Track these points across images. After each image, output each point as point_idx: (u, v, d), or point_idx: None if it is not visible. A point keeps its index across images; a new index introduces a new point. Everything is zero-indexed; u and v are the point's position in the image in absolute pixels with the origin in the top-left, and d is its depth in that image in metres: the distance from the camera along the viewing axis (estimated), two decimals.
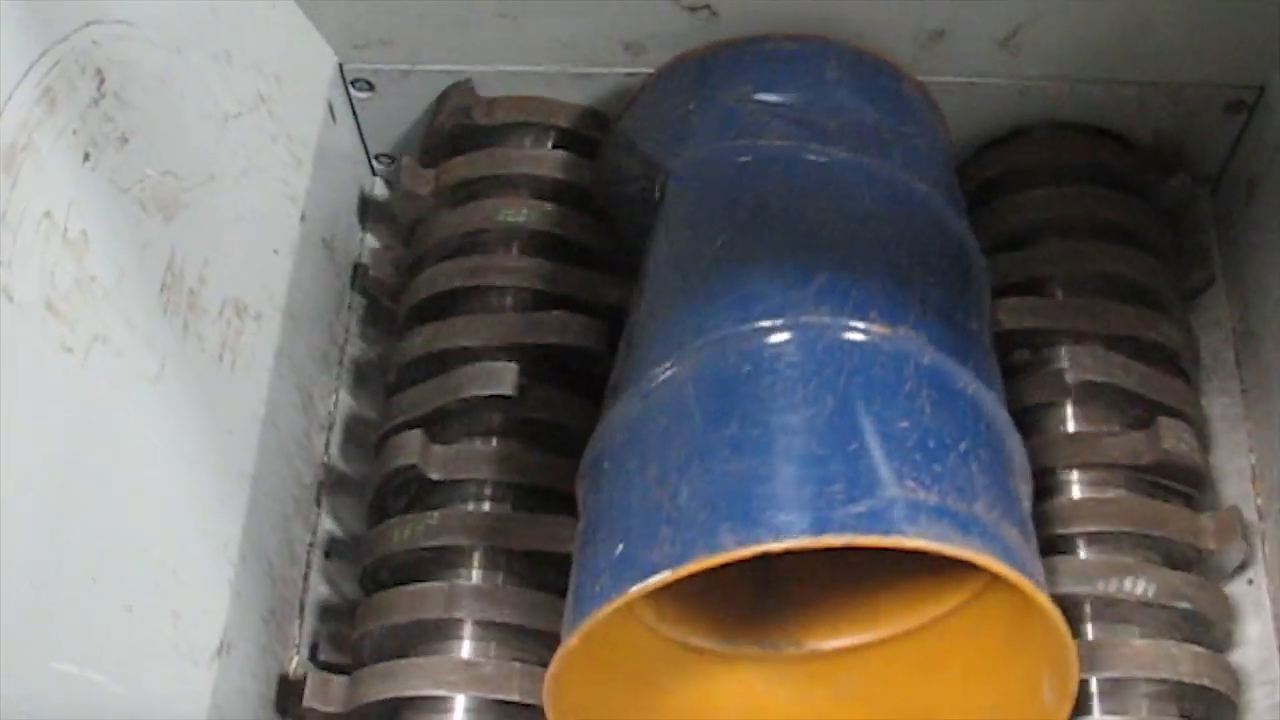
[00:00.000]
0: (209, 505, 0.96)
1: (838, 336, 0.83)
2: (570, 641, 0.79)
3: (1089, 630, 0.98)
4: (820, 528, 0.74)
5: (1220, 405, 1.13)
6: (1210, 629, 0.99)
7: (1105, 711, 0.96)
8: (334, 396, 1.16)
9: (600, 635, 0.79)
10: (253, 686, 0.99)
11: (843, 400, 0.80)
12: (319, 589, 1.10)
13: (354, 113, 1.19)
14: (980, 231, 1.11)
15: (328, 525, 1.12)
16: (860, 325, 0.84)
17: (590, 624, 0.77)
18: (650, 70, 1.11)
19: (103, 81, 0.87)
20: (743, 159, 0.97)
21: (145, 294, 0.90)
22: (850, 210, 0.93)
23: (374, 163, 1.25)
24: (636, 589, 0.75)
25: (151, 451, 0.90)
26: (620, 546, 0.80)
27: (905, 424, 0.80)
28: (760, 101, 1.01)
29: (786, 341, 0.83)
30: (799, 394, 0.81)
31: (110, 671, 0.84)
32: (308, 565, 1.10)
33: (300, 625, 1.07)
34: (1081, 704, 0.95)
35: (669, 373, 0.85)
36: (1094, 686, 0.96)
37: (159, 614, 0.90)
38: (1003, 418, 0.88)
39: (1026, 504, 0.86)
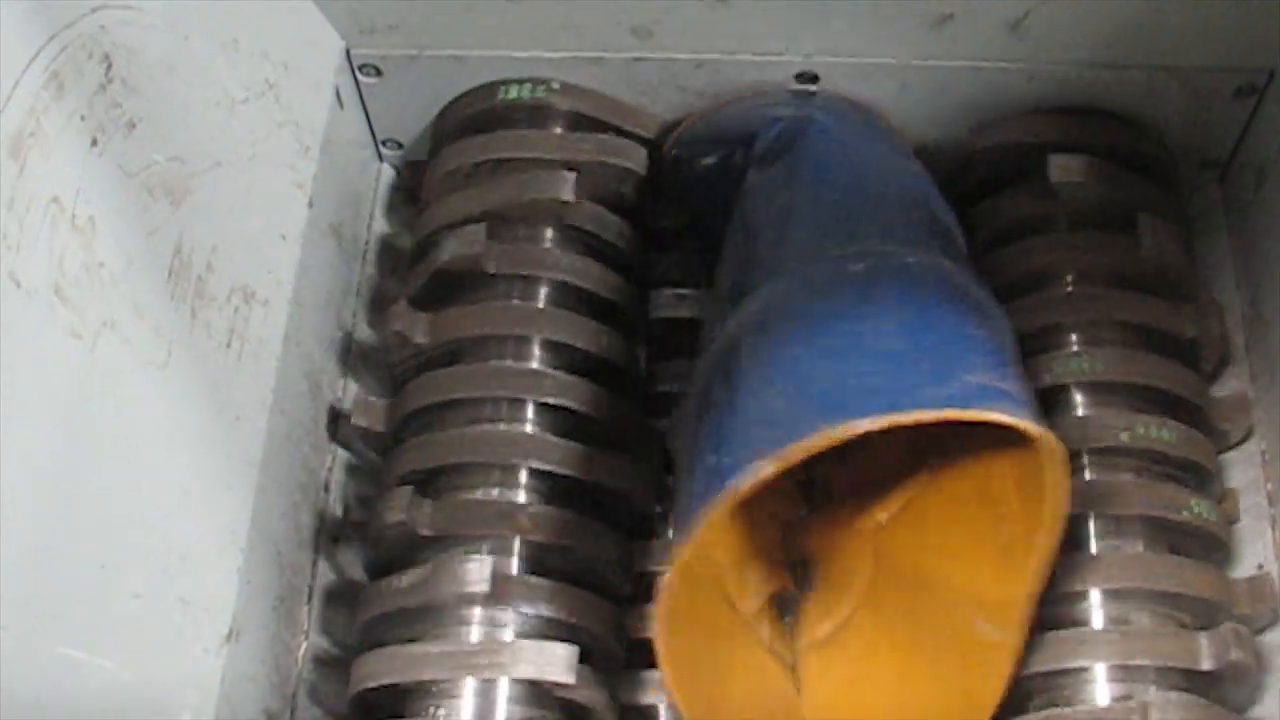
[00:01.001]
0: (217, 492, 0.96)
1: (907, 262, 0.92)
2: (682, 552, 0.83)
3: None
4: (909, 406, 0.80)
5: (1228, 389, 1.13)
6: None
7: (1112, 681, 0.96)
8: (342, 383, 1.16)
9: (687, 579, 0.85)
10: (262, 673, 0.99)
11: (919, 310, 0.89)
12: (327, 575, 1.10)
13: (361, 98, 1.19)
14: (988, 224, 1.11)
15: (336, 512, 1.12)
16: (925, 256, 0.93)
17: (701, 528, 0.82)
18: (658, 55, 1.12)
19: (110, 67, 0.87)
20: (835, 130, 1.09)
21: (153, 280, 0.90)
22: (896, 175, 1.05)
23: (381, 148, 1.24)
24: (740, 481, 0.80)
25: (159, 438, 0.90)
26: (716, 458, 0.85)
27: (976, 331, 0.88)
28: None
29: (863, 268, 0.91)
30: (877, 307, 0.89)
31: (119, 658, 0.84)
32: (315, 551, 1.10)
33: (309, 611, 1.07)
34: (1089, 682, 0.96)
35: (752, 308, 0.93)
36: (1102, 671, 0.96)
37: (167, 601, 0.90)
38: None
39: None
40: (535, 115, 1.15)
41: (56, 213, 0.81)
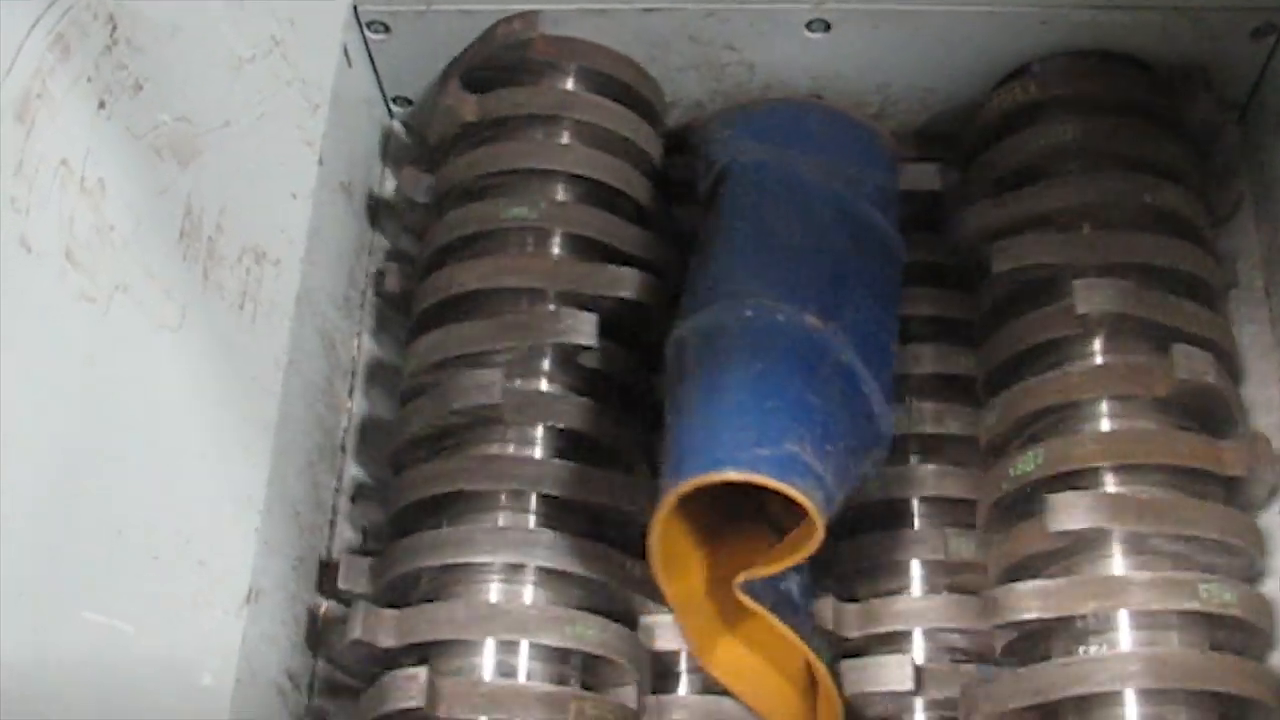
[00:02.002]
0: (233, 453, 0.96)
1: (776, 320, 0.99)
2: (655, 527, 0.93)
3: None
4: (727, 468, 0.89)
5: (1249, 334, 1.12)
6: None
7: (1137, 643, 0.95)
8: (356, 341, 1.16)
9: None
10: (282, 633, 0.99)
11: (767, 372, 0.96)
12: (346, 534, 1.10)
13: (369, 55, 1.18)
14: (1000, 165, 1.10)
15: (353, 471, 1.12)
16: (795, 313, 0.99)
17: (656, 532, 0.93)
18: (667, 6, 1.12)
19: (115, 28, 0.86)
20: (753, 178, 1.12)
21: (164, 242, 0.90)
22: (815, 225, 1.08)
23: (391, 105, 1.24)
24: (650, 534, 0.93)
25: (174, 401, 0.90)
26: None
27: (813, 399, 0.95)
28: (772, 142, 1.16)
29: (736, 322, 0.99)
30: (737, 364, 0.96)
31: (139, 621, 0.84)
32: (334, 511, 1.10)
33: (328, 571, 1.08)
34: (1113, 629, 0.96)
35: (670, 343, 1.02)
36: (1126, 618, 0.96)
37: (186, 563, 0.90)
38: (889, 431, 1.02)
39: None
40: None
41: (65, 175, 0.80)
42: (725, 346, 0.98)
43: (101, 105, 0.84)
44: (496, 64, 1.14)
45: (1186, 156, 1.11)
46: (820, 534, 0.91)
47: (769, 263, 1.04)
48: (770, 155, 1.13)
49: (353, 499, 1.11)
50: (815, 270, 1.05)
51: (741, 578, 0.95)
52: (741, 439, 0.91)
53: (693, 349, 1.00)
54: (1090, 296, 1.01)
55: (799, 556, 0.93)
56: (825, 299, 1.02)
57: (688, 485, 0.90)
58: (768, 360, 0.97)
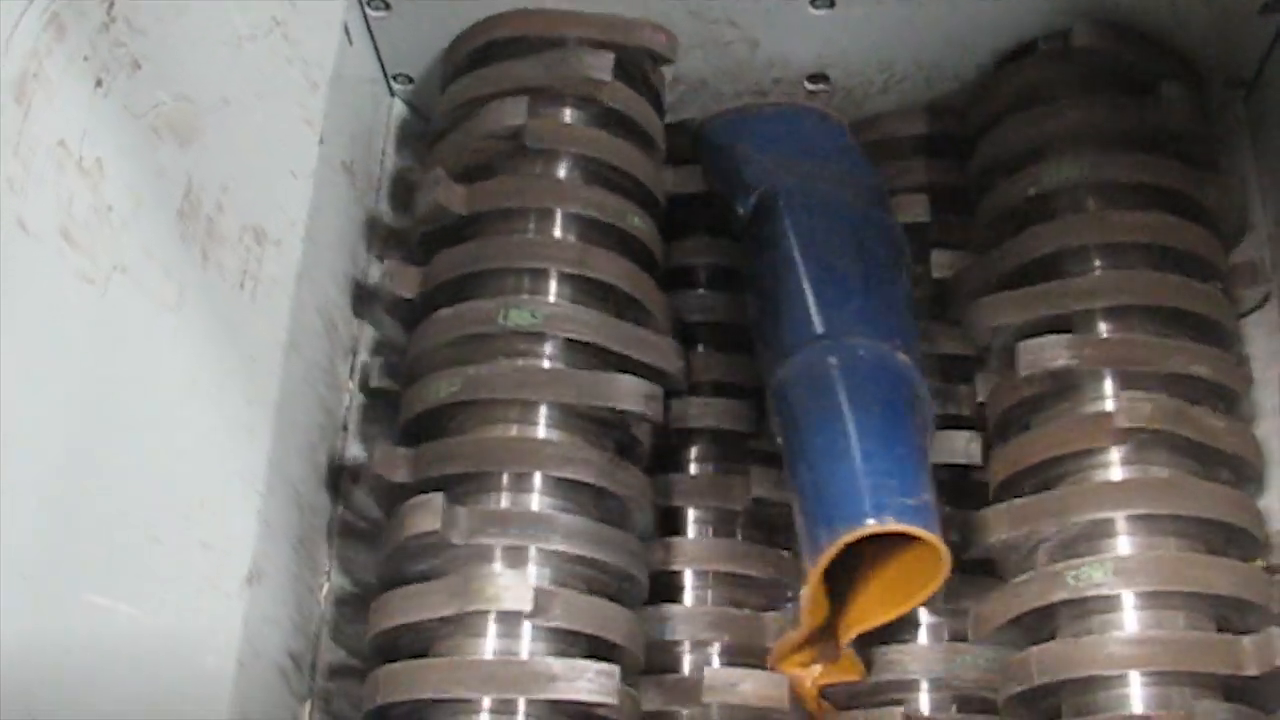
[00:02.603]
0: (234, 434, 0.95)
1: (862, 356, 1.02)
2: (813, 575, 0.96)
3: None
4: (889, 519, 0.93)
5: (1252, 316, 1.11)
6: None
7: (1143, 621, 0.95)
8: (357, 320, 1.15)
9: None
10: (284, 614, 0.99)
11: (885, 411, 1.00)
12: (347, 515, 1.10)
13: (370, 33, 1.18)
14: (1006, 143, 1.11)
15: (355, 451, 1.12)
16: (882, 347, 1.03)
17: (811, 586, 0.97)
18: None
19: (112, 5, 0.85)
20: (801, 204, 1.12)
21: (163, 222, 0.89)
22: (863, 248, 1.10)
23: (392, 83, 1.23)
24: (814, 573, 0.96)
25: (174, 381, 0.90)
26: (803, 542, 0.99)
27: (922, 444, 1.00)
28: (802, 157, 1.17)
29: (836, 362, 1.01)
30: (851, 403, 0.99)
31: (141, 603, 0.84)
32: (336, 490, 1.09)
33: (330, 552, 1.07)
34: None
35: (773, 391, 1.05)
36: (1131, 600, 0.96)
37: (188, 545, 0.89)
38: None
39: None
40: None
41: (63, 156, 0.80)
42: (833, 391, 1.00)
43: (99, 84, 0.84)
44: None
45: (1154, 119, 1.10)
46: (944, 578, 0.95)
47: (845, 297, 1.06)
48: (800, 175, 1.13)
49: (354, 479, 1.11)
50: (884, 299, 1.07)
51: (855, 630, 1.00)
52: (887, 488, 0.95)
53: (797, 396, 1.02)
54: (984, 314, 1.07)
55: (917, 601, 0.98)
56: (895, 327, 1.05)
57: (848, 537, 0.93)
58: (880, 404, 1.00)
